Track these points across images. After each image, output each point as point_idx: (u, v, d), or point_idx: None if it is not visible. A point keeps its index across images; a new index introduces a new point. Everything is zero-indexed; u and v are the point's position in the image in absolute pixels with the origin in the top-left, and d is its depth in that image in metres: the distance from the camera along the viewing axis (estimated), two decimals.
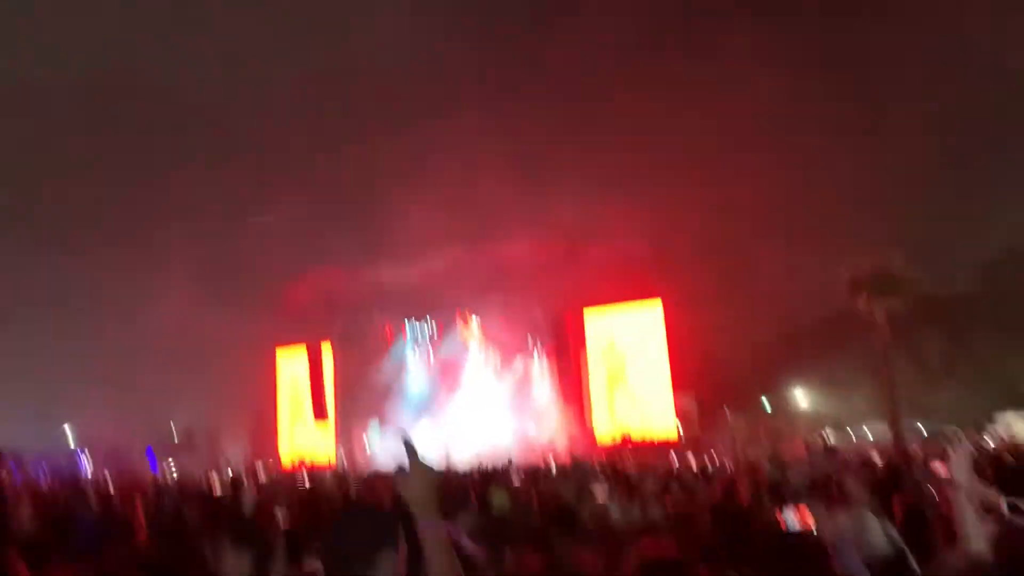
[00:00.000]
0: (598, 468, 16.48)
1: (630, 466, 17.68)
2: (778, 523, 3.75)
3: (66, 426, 47.01)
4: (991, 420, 42.85)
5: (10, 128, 49.72)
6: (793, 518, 3.71)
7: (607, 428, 38.79)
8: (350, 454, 42.02)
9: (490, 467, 17.97)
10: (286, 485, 15.48)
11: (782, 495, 5.57)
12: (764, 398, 50.24)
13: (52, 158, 53.57)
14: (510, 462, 18.61)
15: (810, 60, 48.07)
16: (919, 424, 41.77)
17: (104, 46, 50.75)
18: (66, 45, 50.93)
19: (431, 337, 45.64)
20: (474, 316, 43.61)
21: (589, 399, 39.78)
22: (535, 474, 14.87)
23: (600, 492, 7.51)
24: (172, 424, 59.94)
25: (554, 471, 17.01)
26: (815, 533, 4.08)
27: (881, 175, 44.95)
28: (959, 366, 48.70)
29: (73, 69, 50.97)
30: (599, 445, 36.41)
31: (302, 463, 41.05)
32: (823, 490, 6.10)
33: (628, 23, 52.34)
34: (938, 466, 7.27)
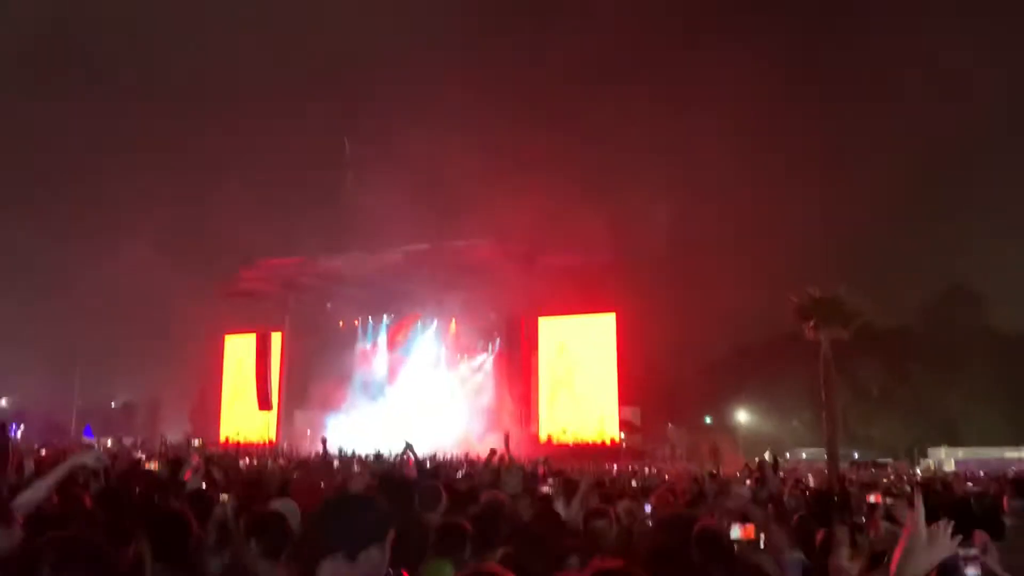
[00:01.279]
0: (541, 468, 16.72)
1: (570, 469, 18.02)
2: (723, 535, 3.91)
3: (2, 400, 45.85)
4: (923, 453, 44.10)
5: None
6: (738, 531, 3.93)
7: (550, 431, 39.20)
8: (292, 441, 41.74)
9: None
10: (229, 465, 15.46)
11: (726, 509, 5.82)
12: (707, 416, 51.18)
13: (7, 122, 52.43)
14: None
15: (780, 93, 49.30)
16: (855, 453, 42.84)
17: (70, 12, 49.78)
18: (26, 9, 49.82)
19: (386, 331, 45.60)
20: (430, 316, 43.61)
21: (536, 402, 40.12)
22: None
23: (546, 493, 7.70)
24: (112, 400, 58.95)
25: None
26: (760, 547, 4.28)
27: (837, 211, 46.28)
28: (896, 398, 50.10)
29: (32, 35, 49.89)
30: (540, 445, 36.62)
31: (241, 444, 40.77)
32: (764, 507, 6.27)
33: (606, 41, 53.07)
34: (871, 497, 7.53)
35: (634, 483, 15.27)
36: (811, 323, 30.14)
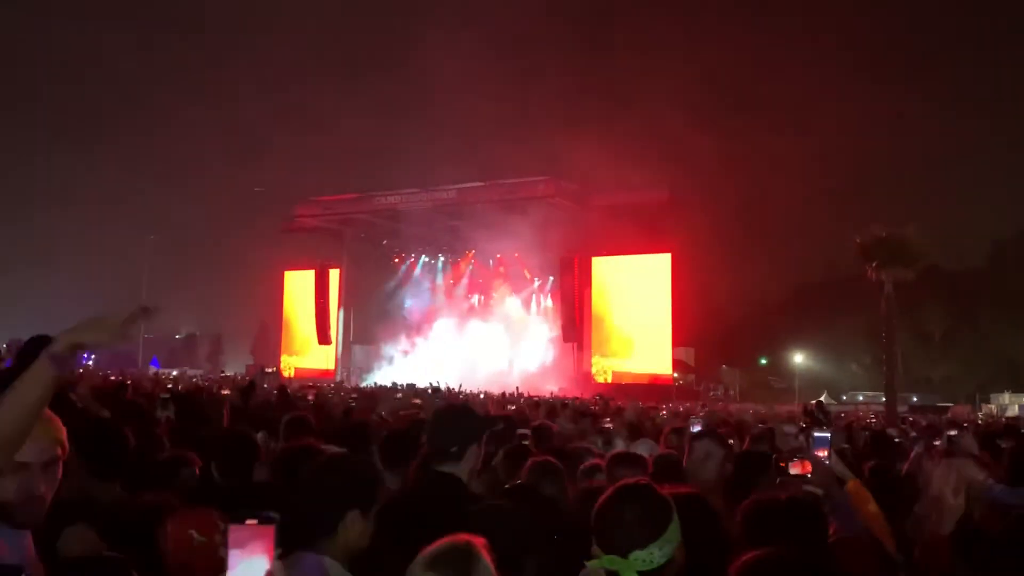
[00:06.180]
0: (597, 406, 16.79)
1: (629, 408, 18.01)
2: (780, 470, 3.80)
3: None
4: (986, 399, 43.13)
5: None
6: (794, 467, 3.77)
7: (602, 370, 39.28)
8: (350, 374, 42.63)
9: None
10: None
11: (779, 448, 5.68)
12: (762, 358, 50.69)
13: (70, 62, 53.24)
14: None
15: (844, 35, 47.30)
16: (914, 397, 42.07)
17: None
18: None
19: (441, 268, 45.93)
20: (484, 254, 43.62)
21: (588, 342, 40.09)
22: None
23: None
24: (176, 333, 60.72)
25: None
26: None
27: (905, 152, 44.61)
28: (960, 341, 48.82)
29: None
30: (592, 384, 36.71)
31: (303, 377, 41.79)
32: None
33: None
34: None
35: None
36: (874, 264, 29.44)
